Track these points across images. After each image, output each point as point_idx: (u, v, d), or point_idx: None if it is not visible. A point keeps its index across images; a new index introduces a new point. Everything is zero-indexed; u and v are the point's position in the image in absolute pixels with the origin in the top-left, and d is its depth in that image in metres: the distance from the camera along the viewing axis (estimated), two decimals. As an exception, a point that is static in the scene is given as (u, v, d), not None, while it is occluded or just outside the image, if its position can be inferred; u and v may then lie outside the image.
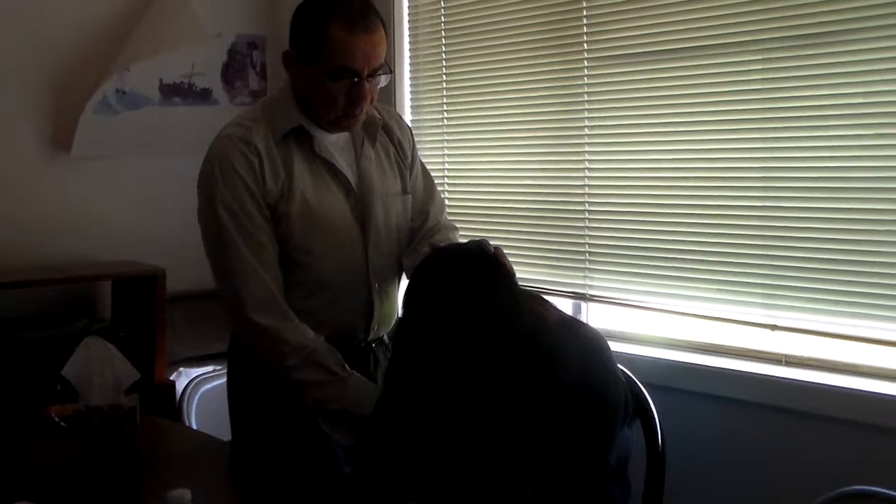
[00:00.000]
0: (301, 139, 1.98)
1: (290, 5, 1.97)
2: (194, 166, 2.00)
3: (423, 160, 2.25)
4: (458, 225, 2.31)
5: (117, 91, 3.17)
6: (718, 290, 2.39)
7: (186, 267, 2.73)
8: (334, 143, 2.02)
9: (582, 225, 2.69)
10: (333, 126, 1.98)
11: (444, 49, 3.08)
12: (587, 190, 2.67)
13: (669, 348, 2.51)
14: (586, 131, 2.67)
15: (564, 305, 2.71)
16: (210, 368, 3.07)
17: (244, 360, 2.05)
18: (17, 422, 2.59)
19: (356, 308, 2.04)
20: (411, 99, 3.21)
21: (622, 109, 2.57)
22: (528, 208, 2.83)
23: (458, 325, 1.61)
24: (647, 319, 2.59)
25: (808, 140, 2.21)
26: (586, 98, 2.66)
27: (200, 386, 3.02)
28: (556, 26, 2.72)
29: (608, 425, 1.70)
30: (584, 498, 1.71)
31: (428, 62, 3.15)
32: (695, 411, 2.36)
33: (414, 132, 2.23)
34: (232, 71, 3.46)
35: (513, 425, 1.69)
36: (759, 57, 2.28)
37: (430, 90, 3.14)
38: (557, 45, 2.72)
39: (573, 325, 1.82)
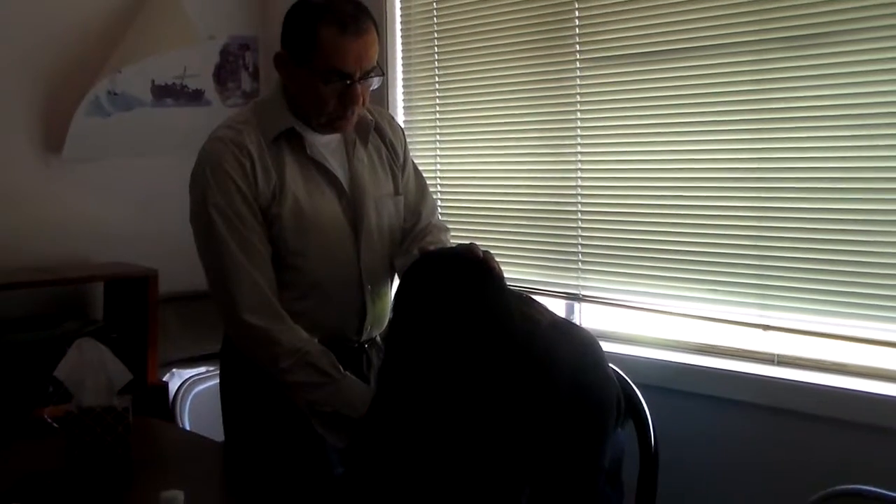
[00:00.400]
0: (293, 141, 1.98)
1: (283, 7, 1.97)
2: (186, 167, 2.00)
3: (416, 161, 2.26)
4: (450, 225, 2.31)
5: (109, 92, 3.17)
6: (711, 290, 2.40)
7: (179, 268, 2.72)
8: (326, 145, 2.02)
9: (574, 225, 2.70)
10: (325, 128, 1.98)
11: (436, 50, 3.08)
12: (580, 190, 2.68)
13: (662, 348, 2.52)
14: (579, 132, 2.67)
15: (557, 306, 2.72)
16: (203, 369, 3.07)
17: (237, 362, 2.05)
18: (10, 423, 2.59)
19: (349, 309, 2.04)
20: (404, 100, 3.21)
21: (614, 110, 2.58)
22: (520, 209, 2.84)
23: (449, 328, 1.61)
24: (639, 320, 2.59)
25: (800, 141, 2.22)
26: (579, 99, 2.66)
27: (193, 387, 3.02)
28: (549, 27, 2.72)
29: (601, 426, 1.71)
30: (579, 500, 1.71)
31: (420, 63, 3.15)
32: (687, 411, 2.37)
33: (406, 133, 2.24)
34: (224, 72, 3.46)
35: (506, 428, 1.69)
36: (751, 58, 2.29)
37: (423, 91, 3.14)
38: (550, 46, 2.73)
39: (565, 327, 1.82)
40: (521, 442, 1.69)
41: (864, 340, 2.16)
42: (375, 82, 1.95)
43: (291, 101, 1.98)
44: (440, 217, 2.30)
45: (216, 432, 2.18)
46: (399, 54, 3.20)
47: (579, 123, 2.67)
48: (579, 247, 2.69)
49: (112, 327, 3.00)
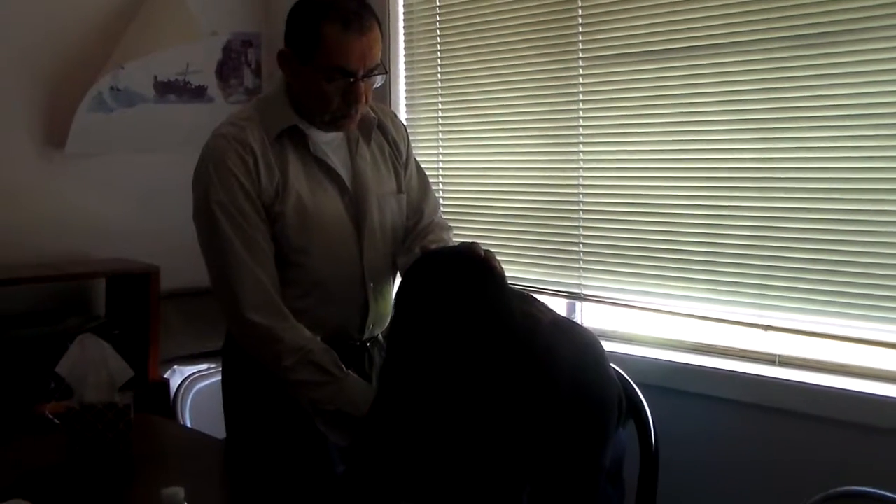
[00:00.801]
0: (296, 138, 1.98)
1: (286, 3, 1.96)
2: (189, 164, 2.00)
3: (418, 159, 2.26)
4: (452, 224, 2.31)
5: (112, 88, 3.17)
6: (712, 290, 2.40)
7: (181, 264, 2.73)
8: (329, 143, 2.02)
9: (576, 225, 2.70)
10: (328, 126, 1.98)
11: (438, 48, 3.08)
12: (581, 190, 2.68)
13: (663, 348, 2.52)
14: (581, 131, 2.67)
15: (559, 305, 2.72)
16: (204, 366, 3.06)
17: (239, 358, 2.05)
18: (12, 419, 2.60)
19: (351, 307, 2.04)
20: (406, 98, 3.21)
21: (616, 109, 2.58)
22: (522, 208, 2.84)
23: (450, 327, 1.61)
24: (640, 319, 2.59)
25: (802, 141, 2.22)
26: (581, 98, 2.66)
27: (195, 384, 3.01)
28: (551, 26, 2.72)
29: (602, 426, 1.71)
30: (580, 498, 1.71)
31: (423, 61, 3.15)
32: (688, 411, 2.37)
33: (409, 131, 2.24)
34: (227, 69, 3.46)
35: (507, 427, 1.69)
36: (754, 58, 2.28)
37: (425, 89, 3.14)
38: (552, 45, 2.73)
39: (566, 326, 1.82)
40: (522, 440, 1.69)
41: (865, 341, 2.16)
42: (379, 80, 1.95)
43: (294, 98, 1.97)
44: (442, 215, 2.30)
45: (217, 429, 2.18)
46: (402, 52, 3.20)
47: (581, 122, 2.67)
48: (581, 246, 2.69)
49: (114, 324, 3.01)
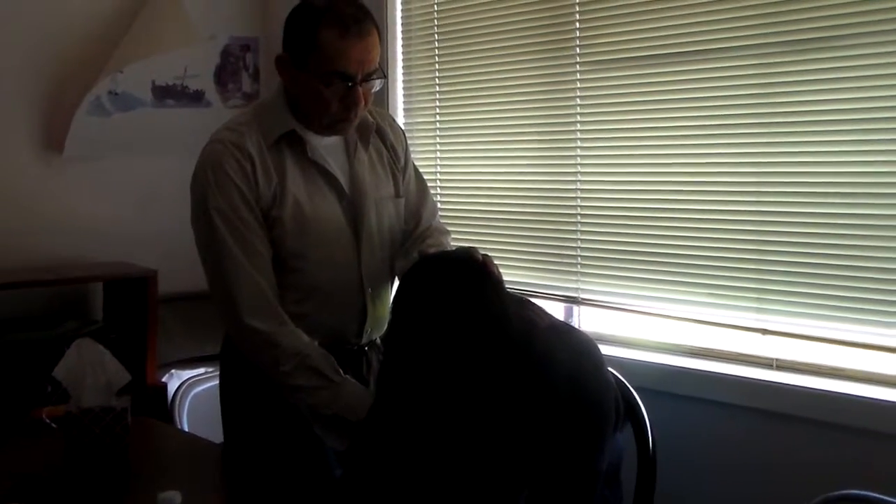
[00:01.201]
0: (294, 143, 1.98)
1: (284, 8, 1.97)
2: (187, 168, 2.00)
3: (416, 163, 2.26)
4: (450, 228, 2.31)
5: (110, 92, 3.18)
6: (709, 293, 2.40)
7: (178, 268, 2.73)
8: (327, 147, 2.02)
9: (574, 229, 2.70)
10: (326, 130, 1.99)
11: (436, 53, 3.09)
12: (579, 194, 2.68)
13: (660, 352, 2.52)
14: (578, 135, 2.68)
15: (556, 309, 2.72)
16: (202, 370, 3.07)
17: (236, 363, 2.05)
18: (8, 423, 2.59)
19: (349, 312, 2.04)
20: (404, 102, 3.21)
21: (614, 114, 2.58)
22: (520, 212, 2.84)
23: (447, 331, 1.61)
24: (638, 323, 2.59)
25: (800, 146, 2.22)
26: (578, 102, 2.67)
27: (192, 388, 3.02)
28: (549, 30, 2.73)
29: (600, 430, 1.71)
30: (577, 503, 1.71)
31: (421, 66, 3.15)
32: (685, 415, 2.37)
33: (407, 135, 2.24)
34: (225, 73, 3.47)
35: (504, 431, 1.69)
36: (752, 62, 2.29)
37: (423, 93, 3.15)
38: (550, 49, 2.73)
39: (564, 331, 1.82)
40: (519, 444, 1.70)
41: (862, 345, 2.16)
42: (377, 84, 1.95)
43: (293, 103, 1.98)
44: (440, 219, 2.30)
45: (215, 433, 2.18)
46: (400, 57, 3.20)
47: (579, 126, 2.67)
48: (578, 250, 2.70)
49: (111, 327, 3.01)
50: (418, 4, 3.13)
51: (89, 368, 1.94)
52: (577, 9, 2.64)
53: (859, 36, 2.11)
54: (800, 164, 2.23)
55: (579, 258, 2.70)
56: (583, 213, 2.68)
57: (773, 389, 2.26)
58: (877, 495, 1.85)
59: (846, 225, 2.16)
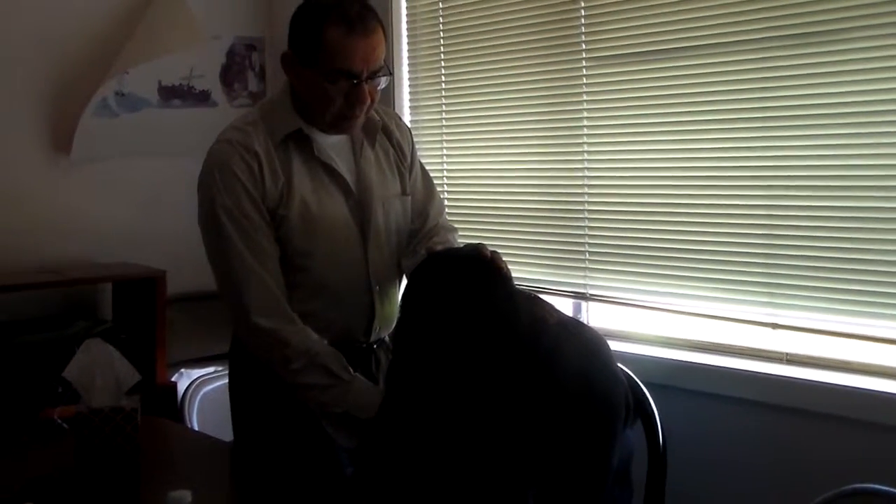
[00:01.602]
0: (300, 142, 1.98)
1: (289, 7, 1.97)
2: (194, 168, 2.00)
3: (423, 161, 2.26)
4: (457, 226, 2.31)
5: (116, 93, 3.18)
6: (719, 288, 2.40)
7: (187, 268, 2.73)
8: (334, 146, 2.02)
9: (581, 224, 2.69)
10: (332, 128, 1.98)
11: (442, 50, 3.08)
12: (586, 189, 2.67)
13: (670, 347, 2.52)
14: (585, 131, 2.67)
15: (565, 305, 2.72)
16: (211, 370, 3.07)
17: (245, 362, 2.05)
18: (19, 424, 2.60)
19: (357, 310, 2.04)
20: (410, 100, 3.21)
21: (621, 109, 2.58)
22: (527, 208, 2.84)
23: (456, 328, 1.61)
24: (647, 319, 2.59)
25: (809, 139, 2.21)
26: (585, 98, 2.66)
27: (202, 387, 3.02)
28: (554, 26, 2.72)
29: (609, 427, 1.70)
30: (587, 500, 1.71)
31: (427, 63, 3.15)
32: (696, 410, 2.36)
33: (413, 133, 2.24)
34: (231, 73, 3.47)
35: (513, 428, 1.69)
36: (758, 56, 2.28)
37: (429, 91, 3.14)
38: (555, 46, 2.72)
39: (573, 327, 1.82)
40: (528, 441, 1.69)
41: (875, 339, 2.15)
42: (383, 82, 1.95)
43: (299, 101, 1.98)
44: (447, 217, 2.30)
45: (224, 432, 2.18)
46: (405, 54, 3.20)
47: (586, 122, 2.67)
48: (586, 245, 2.69)
49: (120, 328, 3.01)
50: (424, 2, 3.13)
51: (99, 369, 1.95)
52: (583, 4, 2.64)
53: (874, 27, 2.09)
54: (809, 157, 2.22)
55: (587, 254, 2.69)
56: (590, 208, 2.67)
57: (785, 384, 2.25)
58: (891, 489, 1.84)
59: (856, 218, 2.15)
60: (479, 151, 3.00)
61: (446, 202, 2.94)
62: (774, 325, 2.31)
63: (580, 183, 2.69)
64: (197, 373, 3.07)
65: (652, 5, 2.47)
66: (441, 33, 3.08)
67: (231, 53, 3.47)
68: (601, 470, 1.71)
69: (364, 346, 2.07)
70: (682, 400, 2.34)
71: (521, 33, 2.81)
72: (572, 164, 2.71)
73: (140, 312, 3.03)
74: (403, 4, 3.19)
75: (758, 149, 2.30)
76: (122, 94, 3.19)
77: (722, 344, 2.45)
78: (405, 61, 3.20)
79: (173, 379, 3.05)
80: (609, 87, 2.60)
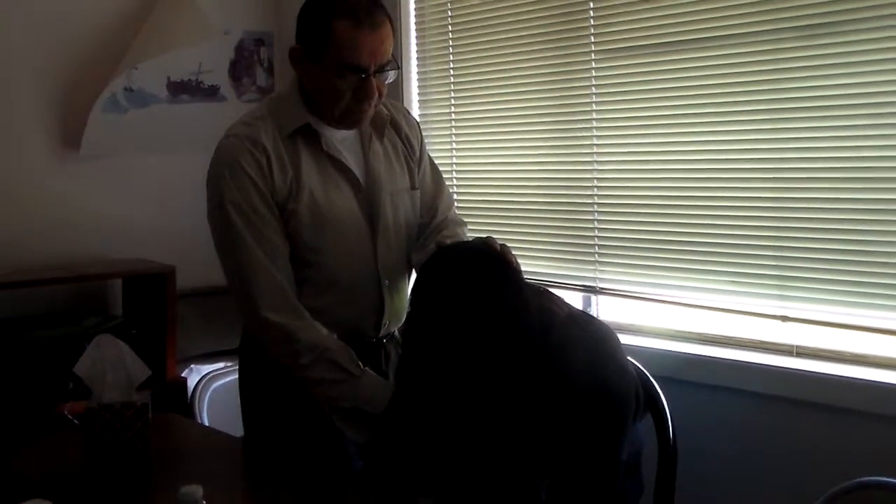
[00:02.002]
0: (309, 137, 1.98)
1: (297, 1, 1.96)
2: (203, 163, 2.00)
3: (432, 155, 2.25)
4: (466, 219, 2.31)
5: (125, 89, 3.19)
6: (728, 281, 2.39)
7: (197, 264, 2.74)
8: (342, 140, 2.02)
9: (591, 218, 2.69)
10: (341, 123, 1.98)
11: (451, 43, 3.08)
12: (596, 183, 2.67)
13: (680, 340, 2.51)
14: (594, 124, 2.66)
15: (574, 298, 2.71)
16: (221, 365, 3.08)
17: (255, 357, 2.05)
18: (31, 419, 2.61)
19: (366, 305, 2.04)
20: (419, 93, 3.21)
21: (630, 102, 2.57)
22: (536, 202, 2.83)
23: (466, 322, 1.61)
24: (657, 312, 2.58)
25: (819, 131, 2.21)
26: (594, 91, 2.66)
27: (212, 382, 3.03)
28: (563, 19, 2.72)
29: (620, 420, 1.70)
30: (598, 494, 1.71)
31: (435, 56, 3.15)
32: (706, 403, 2.36)
33: (422, 127, 2.23)
34: (239, 68, 3.47)
35: (524, 422, 1.69)
36: (768, 48, 2.27)
37: (438, 85, 3.14)
38: (564, 38, 2.72)
39: (583, 320, 1.82)
40: (539, 434, 1.69)
41: (885, 331, 2.15)
42: (391, 76, 1.94)
43: (307, 96, 1.97)
44: (456, 211, 2.29)
45: (235, 427, 2.19)
46: (414, 48, 3.20)
47: (595, 115, 2.66)
48: (596, 239, 2.69)
49: (131, 323, 3.02)
50: (432, -5, 3.13)
51: (110, 364, 1.95)
52: (591, -4, 2.63)
53: (883, 19, 2.08)
54: (819, 149, 2.21)
55: (597, 247, 2.69)
56: (600, 201, 2.67)
57: (794, 376, 2.24)
58: (900, 482, 1.84)
59: (866, 210, 2.14)
60: (488, 145, 2.99)
61: (456, 196, 2.94)
62: (784, 318, 2.31)
63: (589, 176, 2.68)
64: (207, 368, 3.08)
65: (660, -3, 2.47)
66: (450, 27, 3.08)
67: (239, 48, 3.47)
68: (611, 462, 1.71)
69: (374, 340, 2.07)
70: (692, 393, 2.34)
71: (530, 26, 2.80)
72: (581, 158, 2.70)
73: (150, 308, 3.03)
74: (411, -2, 3.19)
75: (768, 141, 2.29)
76: (131, 90, 3.20)
77: (731, 337, 2.45)
78: (413, 55, 3.20)
79: (184, 374, 3.06)
80: (618, 79, 2.60)
